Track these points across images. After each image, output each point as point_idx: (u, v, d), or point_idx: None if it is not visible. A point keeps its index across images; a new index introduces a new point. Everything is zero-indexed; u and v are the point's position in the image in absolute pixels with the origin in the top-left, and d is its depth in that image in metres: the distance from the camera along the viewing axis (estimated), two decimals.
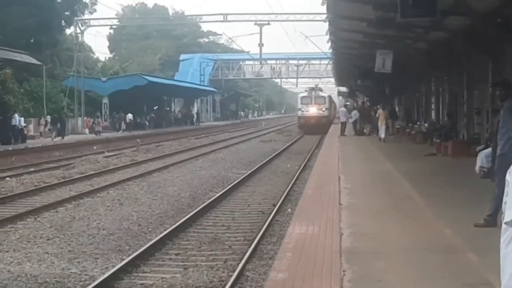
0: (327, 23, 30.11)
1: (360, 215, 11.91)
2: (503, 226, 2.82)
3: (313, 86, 75.25)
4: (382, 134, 36.34)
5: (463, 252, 8.72)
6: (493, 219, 10.24)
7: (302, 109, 68.32)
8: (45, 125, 52.74)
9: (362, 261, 8.39)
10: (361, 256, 8.69)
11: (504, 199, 2.83)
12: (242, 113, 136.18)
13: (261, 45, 78.24)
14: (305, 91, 73.02)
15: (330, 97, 74.51)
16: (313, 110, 66.72)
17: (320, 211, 12.42)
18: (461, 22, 20.58)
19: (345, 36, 30.67)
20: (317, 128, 61.13)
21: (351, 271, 7.82)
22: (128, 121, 67.64)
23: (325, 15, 30.34)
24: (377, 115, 38.90)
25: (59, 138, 49.26)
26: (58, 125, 51.63)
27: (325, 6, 23.58)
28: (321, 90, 72.23)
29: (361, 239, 9.76)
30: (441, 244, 9.30)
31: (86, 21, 67.20)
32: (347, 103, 72.90)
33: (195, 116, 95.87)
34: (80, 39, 65.77)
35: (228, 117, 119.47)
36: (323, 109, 67.24)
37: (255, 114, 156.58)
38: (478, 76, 24.74)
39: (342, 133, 44.39)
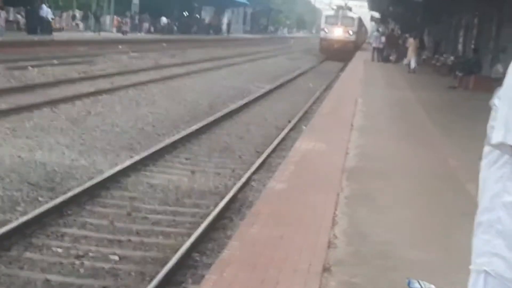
0: None
1: (370, 137, 11.98)
2: (486, 148, 2.84)
3: (342, 4, 65.92)
4: (412, 64, 34.58)
5: (464, 182, 8.77)
6: None
7: (326, 30, 59.89)
8: (73, 19, 52.71)
9: (362, 180, 8.49)
10: (362, 175, 8.79)
11: (491, 123, 2.85)
12: (271, 28, 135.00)
13: None
14: (332, 9, 65.62)
15: (360, 19, 65.76)
16: (338, 33, 58.58)
17: (331, 130, 12.50)
18: None
19: None
20: (340, 54, 54.43)
21: (350, 188, 7.93)
22: (162, 24, 67.70)
23: None
24: (407, 44, 37.82)
25: (92, 33, 49.71)
26: (92, 20, 52.22)
27: None
28: (350, 10, 63.47)
29: (366, 159, 9.85)
30: (444, 173, 9.37)
31: None
32: (379, 28, 67.16)
33: (226, 26, 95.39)
34: None
35: (257, 31, 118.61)
36: (350, 32, 59.03)
37: (285, 31, 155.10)
38: (509, 13, 24.36)
39: (373, 58, 43.83)
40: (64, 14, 54.13)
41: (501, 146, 2.76)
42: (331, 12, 62.86)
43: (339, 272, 5.48)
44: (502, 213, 2.87)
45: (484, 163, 2.92)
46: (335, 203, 7.18)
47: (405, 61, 35.84)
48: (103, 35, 51.68)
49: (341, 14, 59.80)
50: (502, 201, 2.86)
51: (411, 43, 36.31)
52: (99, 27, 53.33)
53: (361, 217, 6.87)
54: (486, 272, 2.92)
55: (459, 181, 8.86)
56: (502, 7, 25.42)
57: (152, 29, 65.82)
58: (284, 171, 8.70)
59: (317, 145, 10.66)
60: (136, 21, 63.21)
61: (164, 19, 69.17)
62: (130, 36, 55.40)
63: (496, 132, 2.75)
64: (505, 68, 10.20)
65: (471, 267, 3.00)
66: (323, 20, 62.51)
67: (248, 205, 9.83)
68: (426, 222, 6.95)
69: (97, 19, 54.45)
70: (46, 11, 42.54)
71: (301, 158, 9.60)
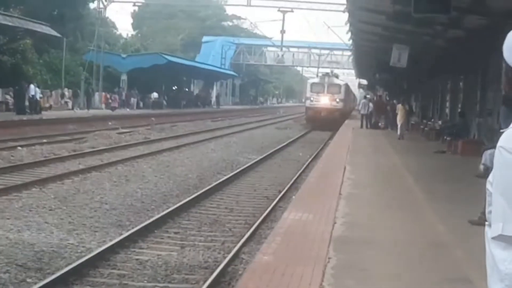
0: (346, 14, 29.96)
1: (358, 205, 11.99)
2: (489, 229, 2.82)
3: (327, 72, 63.27)
4: (399, 131, 33.80)
5: (451, 248, 8.78)
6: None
7: (311, 99, 55.47)
8: (62, 97, 53.15)
9: (349, 250, 8.47)
10: (350, 245, 8.77)
11: (487, 208, 2.85)
12: (261, 98, 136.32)
13: (283, 32, 78.25)
14: (317, 76, 62.62)
15: (347, 86, 61.10)
16: (324, 101, 54.51)
17: (318, 199, 12.48)
18: (478, 21, 20.54)
19: (364, 28, 30.58)
20: (327, 123, 50.76)
21: (336, 258, 7.90)
22: (153, 99, 68.45)
23: (344, 6, 30.17)
24: (396, 111, 36.93)
25: (83, 111, 50.45)
26: (84, 98, 53.21)
27: None
28: (336, 76, 60.04)
29: (354, 228, 9.84)
30: (432, 239, 9.37)
31: None
32: (368, 95, 63.29)
33: (214, 99, 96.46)
34: (102, 14, 66.21)
35: (247, 102, 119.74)
36: (337, 100, 54.80)
37: (274, 101, 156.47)
38: (492, 77, 24.67)
39: (362, 125, 43.66)
40: (53, 93, 54.59)
41: (500, 237, 2.76)
42: (317, 79, 59.68)
43: None
44: None
45: (488, 243, 2.89)
46: (322, 274, 7.15)
47: (398, 130, 34.41)
48: (92, 112, 52.16)
49: (327, 81, 55.96)
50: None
51: (400, 109, 35.59)
52: (90, 105, 54.24)
53: None
54: None
55: (447, 247, 8.87)
56: (486, 70, 25.77)
57: (141, 104, 66.34)
58: (271, 243, 8.68)
59: (305, 215, 10.65)
60: (124, 97, 63.49)
61: (155, 94, 70.09)
62: (120, 112, 55.82)
63: (494, 225, 2.75)
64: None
65: None
66: (308, 88, 57.98)
67: (238, 279, 9.77)
68: None
69: (89, 97, 55.45)
70: (34, 91, 42.96)
71: (288, 229, 9.58)
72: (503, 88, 2.97)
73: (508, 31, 2.77)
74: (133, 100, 63.39)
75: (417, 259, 8.16)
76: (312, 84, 57.31)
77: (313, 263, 7.59)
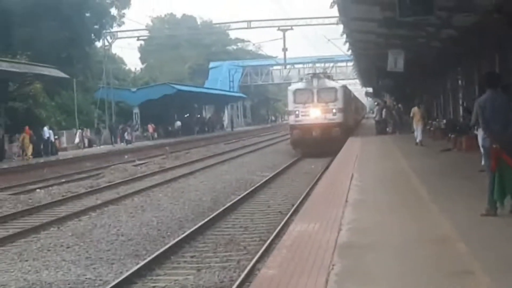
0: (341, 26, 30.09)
1: (364, 211, 12.11)
2: None
3: (317, 72, 49.65)
4: (418, 137, 29.83)
5: (454, 243, 8.92)
6: (491, 208, 10.48)
7: (297, 113, 39.89)
8: (79, 137, 53.85)
9: (354, 255, 8.59)
10: (354, 250, 8.89)
11: None
12: (272, 117, 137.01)
13: (285, 49, 78.63)
14: (301, 80, 46.61)
15: (346, 89, 44.05)
16: (315, 114, 39.30)
17: (325, 209, 12.59)
18: (467, 19, 20.73)
19: (360, 37, 30.74)
20: (322, 145, 37.23)
21: (341, 265, 8.02)
22: (176, 127, 69.16)
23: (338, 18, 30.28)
24: (411, 115, 33.01)
25: (108, 146, 52.81)
26: (104, 134, 56.57)
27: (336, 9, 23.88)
28: (329, 77, 44.56)
29: (359, 234, 9.97)
30: (436, 236, 9.45)
31: (114, 33, 68.53)
32: (377, 102, 56.60)
33: (227, 121, 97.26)
34: (109, 51, 67.14)
35: (259, 121, 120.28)
36: (334, 110, 39.28)
37: (286, 118, 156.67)
38: (487, 70, 24.83)
39: (378, 132, 42.12)
40: (88, 131, 55.84)
41: None
42: (301, 84, 42.76)
43: None
44: None
45: None
46: (325, 282, 7.30)
47: (417, 135, 30.41)
48: (108, 147, 52.88)
49: (316, 86, 39.99)
50: None
51: (416, 112, 31.56)
52: (115, 140, 56.76)
53: None
54: None
55: (450, 242, 8.98)
56: (480, 65, 25.92)
57: (155, 135, 66.85)
58: (277, 256, 8.82)
59: (311, 226, 10.77)
60: (118, 130, 61.76)
61: (178, 123, 71.19)
62: (135, 144, 56.43)
63: None
64: None
65: None
66: (290, 97, 41.02)
67: None
68: None
69: (114, 133, 56.42)
70: (48, 133, 43.56)
71: (294, 241, 9.70)
72: None
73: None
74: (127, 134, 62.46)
75: (421, 258, 8.24)
76: (296, 92, 40.95)
77: (317, 272, 7.70)
